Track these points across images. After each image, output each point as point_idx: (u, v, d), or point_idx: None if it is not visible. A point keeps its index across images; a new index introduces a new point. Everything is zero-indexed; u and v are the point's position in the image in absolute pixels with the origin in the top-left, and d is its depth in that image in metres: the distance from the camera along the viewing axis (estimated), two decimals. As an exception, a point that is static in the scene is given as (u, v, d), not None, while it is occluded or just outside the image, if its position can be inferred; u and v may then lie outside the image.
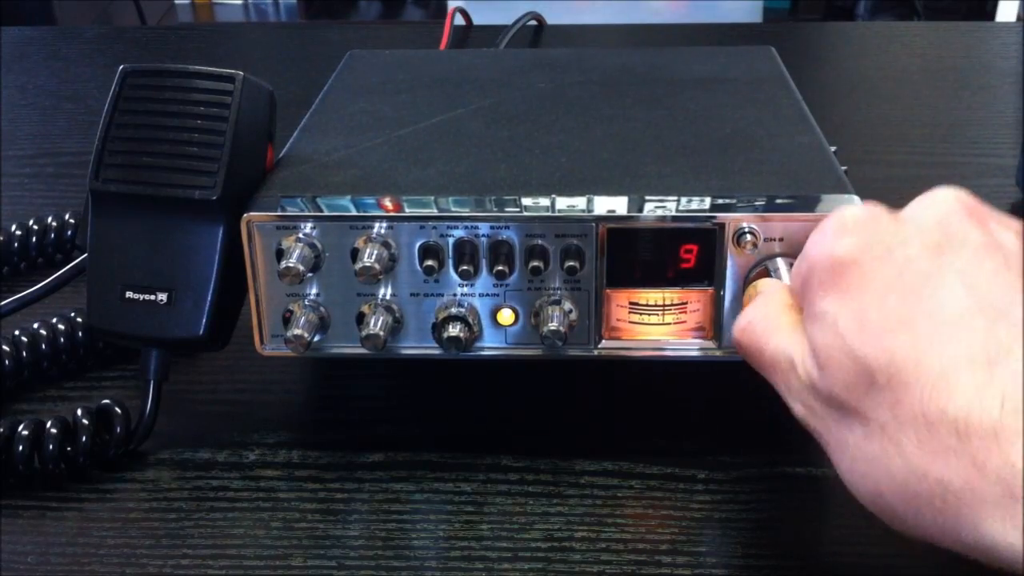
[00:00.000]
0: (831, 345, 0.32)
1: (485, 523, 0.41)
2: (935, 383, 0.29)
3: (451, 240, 0.42)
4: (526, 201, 0.42)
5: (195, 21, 3.11)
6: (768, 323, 0.36)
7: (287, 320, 0.43)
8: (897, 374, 0.30)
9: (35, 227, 0.59)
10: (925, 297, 0.31)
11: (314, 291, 0.43)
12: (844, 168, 0.45)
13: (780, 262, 0.41)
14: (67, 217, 0.60)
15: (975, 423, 0.28)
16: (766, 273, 0.41)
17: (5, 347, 0.48)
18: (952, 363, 0.29)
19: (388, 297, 0.43)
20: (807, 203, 0.42)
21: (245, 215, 0.42)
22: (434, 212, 0.42)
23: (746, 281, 0.42)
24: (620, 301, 0.43)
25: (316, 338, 0.43)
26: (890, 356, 0.30)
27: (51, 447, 0.43)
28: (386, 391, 0.49)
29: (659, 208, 0.42)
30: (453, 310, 0.43)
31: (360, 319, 0.43)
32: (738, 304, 0.42)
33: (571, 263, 0.42)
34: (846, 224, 0.34)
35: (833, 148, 0.47)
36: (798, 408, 0.34)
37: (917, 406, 0.30)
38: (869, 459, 0.31)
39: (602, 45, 0.97)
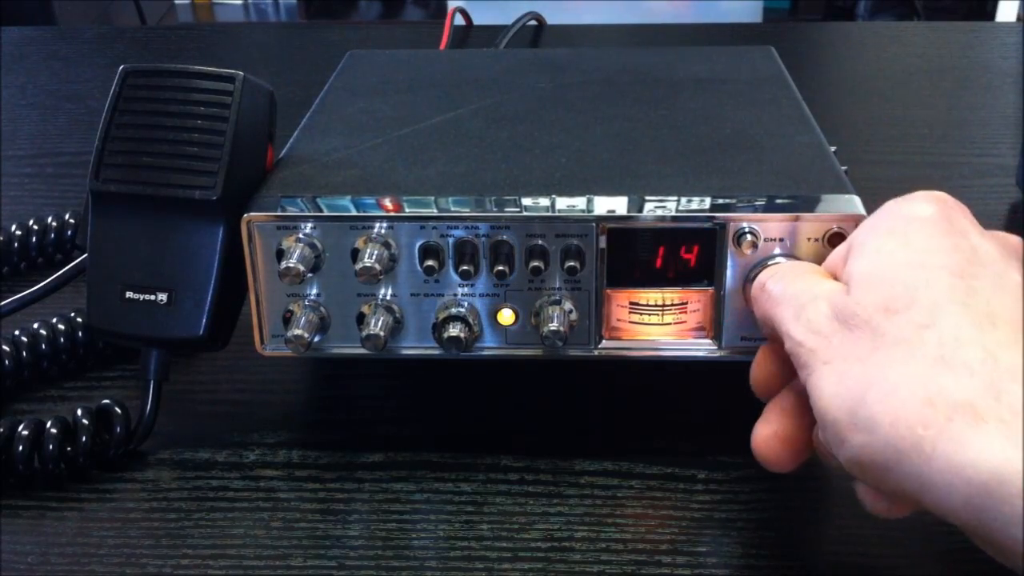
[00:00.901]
0: (876, 266, 0.33)
1: (485, 523, 0.41)
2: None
3: (451, 240, 0.42)
4: (526, 201, 0.42)
5: (195, 21, 3.11)
6: (798, 270, 0.38)
7: (287, 320, 0.43)
8: (934, 307, 0.31)
9: (35, 227, 0.59)
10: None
11: (314, 291, 0.43)
12: (844, 168, 0.45)
13: (780, 262, 0.41)
14: (67, 217, 0.60)
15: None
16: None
17: (5, 347, 0.48)
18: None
19: (388, 297, 0.43)
20: (807, 203, 0.42)
21: (245, 215, 0.42)
22: (434, 212, 0.42)
23: (746, 281, 0.42)
24: (620, 301, 0.43)
25: (316, 338, 0.43)
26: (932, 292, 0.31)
27: (51, 447, 0.43)
28: (386, 391, 0.49)
29: (659, 208, 0.42)
30: (453, 310, 0.43)
31: (360, 319, 0.43)
32: (738, 304, 0.42)
33: (571, 263, 0.42)
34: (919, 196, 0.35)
35: (833, 148, 0.47)
36: (798, 330, 0.34)
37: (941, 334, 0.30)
38: (867, 368, 0.31)
39: (602, 45, 0.97)
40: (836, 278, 0.36)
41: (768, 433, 0.37)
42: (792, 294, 0.36)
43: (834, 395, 0.32)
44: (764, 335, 0.39)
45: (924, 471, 0.28)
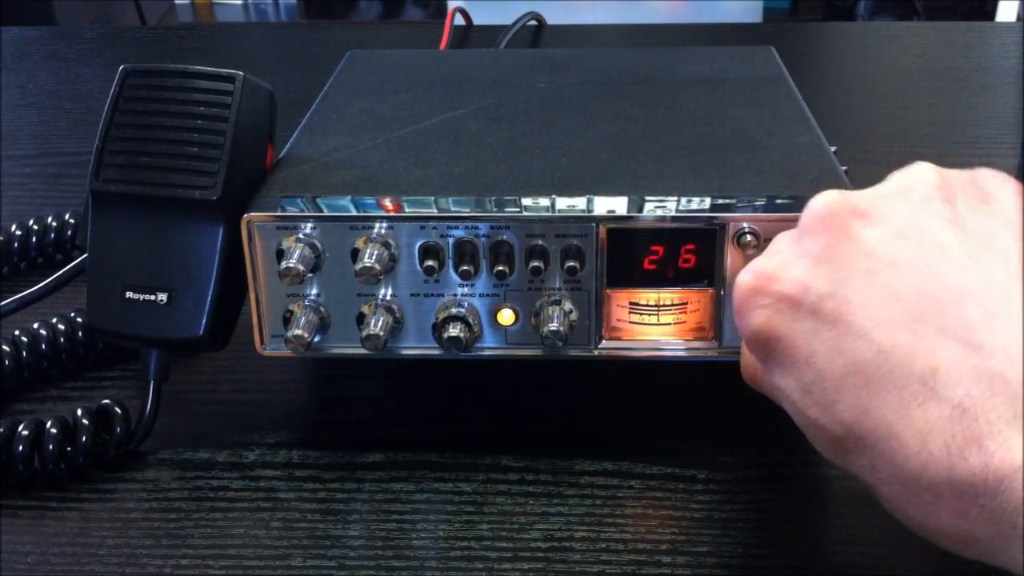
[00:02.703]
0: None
1: (485, 523, 0.41)
2: None
3: (451, 240, 0.42)
4: (526, 201, 0.42)
5: (195, 21, 3.11)
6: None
7: (287, 320, 0.43)
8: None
9: (35, 227, 0.59)
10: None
11: (314, 291, 0.43)
12: (844, 168, 0.45)
13: None
14: (67, 217, 0.60)
15: None
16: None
17: (5, 347, 0.48)
18: None
19: (388, 297, 0.43)
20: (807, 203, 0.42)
21: (245, 215, 0.42)
22: (434, 212, 0.42)
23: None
24: (620, 301, 0.43)
25: (316, 338, 0.43)
26: None
27: (51, 447, 0.43)
28: (386, 391, 0.49)
29: (659, 208, 0.42)
30: (453, 310, 0.43)
31: (360, 319, 0.43)
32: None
33: (571, 263, 0.42)
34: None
35: (833, 148, 0.47)
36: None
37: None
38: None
39: (602, 45, 0.97)
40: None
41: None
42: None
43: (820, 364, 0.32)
44: None
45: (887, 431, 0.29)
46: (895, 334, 0.30)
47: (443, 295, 0.43)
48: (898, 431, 0.29)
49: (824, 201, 0.34)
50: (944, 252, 0.31)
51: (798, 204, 0.41)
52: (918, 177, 0.34)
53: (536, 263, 0.42)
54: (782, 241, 0.35)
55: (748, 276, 0.34)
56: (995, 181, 0.34)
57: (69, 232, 0.59)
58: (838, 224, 0.33)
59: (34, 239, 0.59)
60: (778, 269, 0.33)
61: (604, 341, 0.44)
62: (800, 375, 0.32)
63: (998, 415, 0.28)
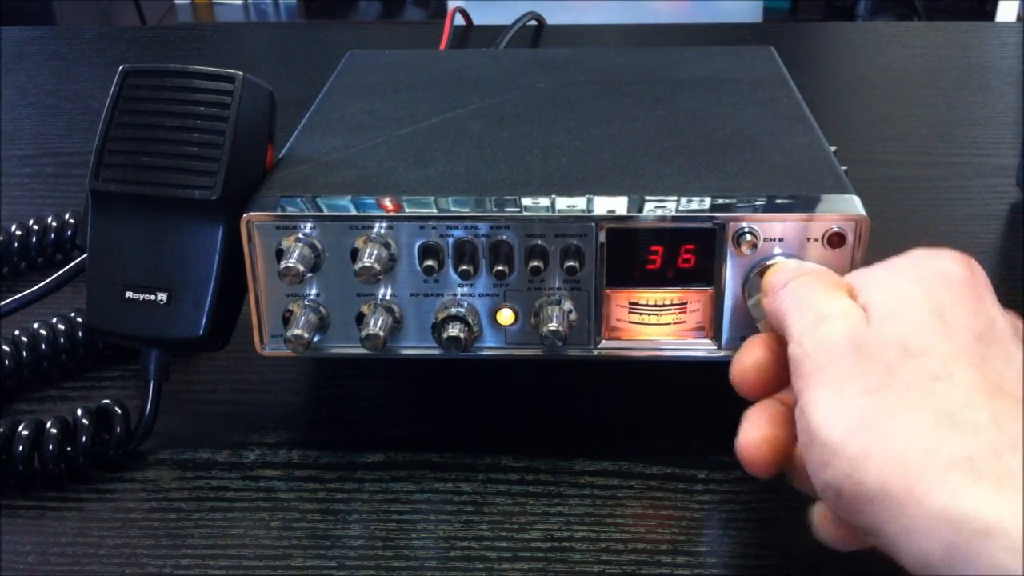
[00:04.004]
0: (900, 307, 0.33)
1: (485, 523, 0.41)
2: None
3: (451, 240, 0.42)
4: (526, 201, 0.42)
5: (195, 21, 3.11)
6: (822, 279, 0.37)
7: (287, 320, 0.43)
8: (950, 362, 0.32)
9: (35, 227, 0.59)
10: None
11: (314, 291, 0.43)
12: (844, 168, 0.45)
13: (780, 260, 0.41)
14: (67, 217, 0.60)
15: None
16: (761, 275, 0.41)
17: (5, 347, 0.48)
18: None
19: (388, 297, 0.43)
20: (807, 203, 0.42)
21: (245, 215, 0.42)
22: (434, 212, 0.42)
23: (746, 281, 0.42)
24: (620, 301, 0.43)
25: (316, 338, 0.43)
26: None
27: (51, 447, 0.43)
28: (386, 391, 0.49)
29: (659, 208, 0.42)
30: (453, 310, 0.43)
31: (360, 319, 0.43)
32: (738, 304, 0.42)
33: (571, 263, 0.42)
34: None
35: (833, 148, 0.47)
36: (810, 342, 0.34)
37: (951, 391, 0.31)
38: (873, 401, 0.31)
39: (602, 45, 0.97)
40: (852, 295, 0.36)
41: (757, 438, 0.37)
42: (812, 302, 0.35)
43: (831, 417, 0.32)
44: (762, 327, 0.39)
45: (909, 513, 0.29)
46: None
47: (443, 295, 0.43)
48: None
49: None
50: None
51: (798, 204, 0.42)
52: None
53: (536, 263, 0.42)
54: None
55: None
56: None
57: (69, 232, 0.59)
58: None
59: (34, 239, 0.59)
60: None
61: (604, 341, 0.44)
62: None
63: None
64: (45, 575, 0.39)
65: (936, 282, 0.34)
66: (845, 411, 0.31)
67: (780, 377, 0.37)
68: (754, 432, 0.37)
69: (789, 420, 0.36)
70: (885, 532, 0.30)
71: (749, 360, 0.38)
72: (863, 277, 0.36)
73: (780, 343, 0.37)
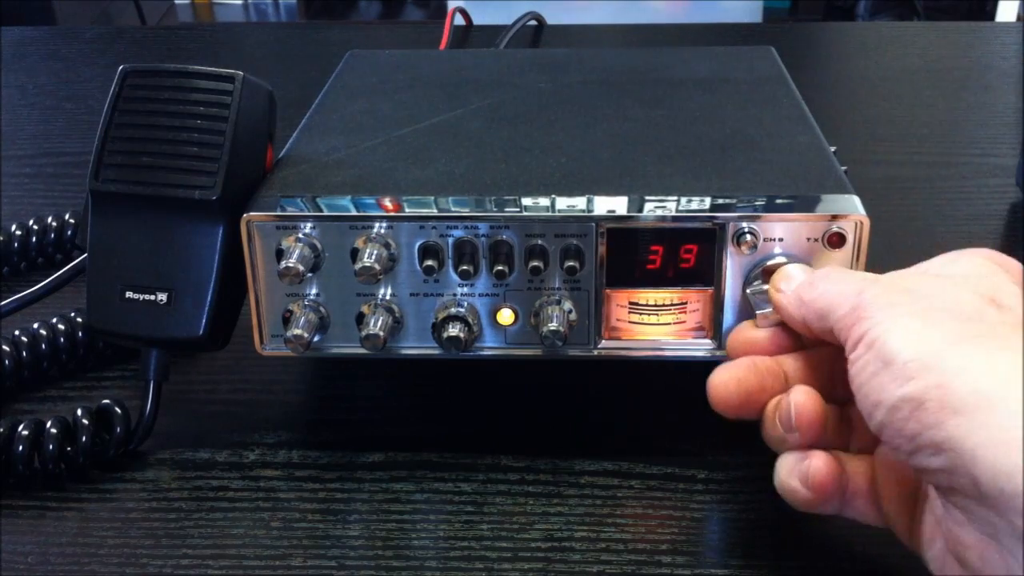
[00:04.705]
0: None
1: (485, 523, 0.41)
2: None
3: (451, 240, 0.42)
4: (526, 201, 0.42)
5: (195, 21, 3.11)
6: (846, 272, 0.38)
7: (287, 320, 0.43)
8: None
9: (35, 227, 0.59)
10: None
11: (314, 291, 0.43)
12: (844, 168, 0.45)
13: (780, 261, 0.41)
14: (67, 217, 0.60)
15: None
16: (767, 273, 0.41)
17: (5, 347, 0.48)
18: None
19: (388, 297, 0.43)
20: (807, 203, 0.42)
21: (245, 215, 0.42)
22: (434, 212, 0.42)
23: (746, 281, 0.42)
24: (620, 301, 0.43)
25: (316, 338, 0.43)
26: None
27: (51, 447, 0.43)
28: (386, 391, 0.49)
29: (659, 208, 0.42)
30: (453, 310, 0.43)
31: (360, 319, 0.43)
32: (738, 304, 0.42)
33: (571, 263, 0.42)
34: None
35: (833, 148, 0.47)
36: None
37: None
38: (962, 327, 0.32)
39: (602, 45, 0.97)
40: None
41: (726, 376, 0.39)
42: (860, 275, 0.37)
43: (919, 335, 0.32)
44: (759, 319, 0.41)
45: (996, 423, 0.29)
46: None
47: (443, 295, 0.43)
48: None
49: None
50: None
51: (798, 204, 0.42)
52: None
53: (536, 263, 0.42)
54: None
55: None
56: None
57: (69, 232, 0.59)
58: None
59: (34, 239, 0.59)
60: None
61: (604, 341, 0.44)
62: None
63: None
64: (45, 575, 0.39)
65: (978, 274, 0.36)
66: (939, 331, 0.32)
67: (764, 390, 0.39)
68: (724, 372, 0.39)
69: (763, 371, 0.39)
70: (964, 445, 0.30)
71: (746, 335, 0.40)
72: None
73: (757, 364, 0.39)
